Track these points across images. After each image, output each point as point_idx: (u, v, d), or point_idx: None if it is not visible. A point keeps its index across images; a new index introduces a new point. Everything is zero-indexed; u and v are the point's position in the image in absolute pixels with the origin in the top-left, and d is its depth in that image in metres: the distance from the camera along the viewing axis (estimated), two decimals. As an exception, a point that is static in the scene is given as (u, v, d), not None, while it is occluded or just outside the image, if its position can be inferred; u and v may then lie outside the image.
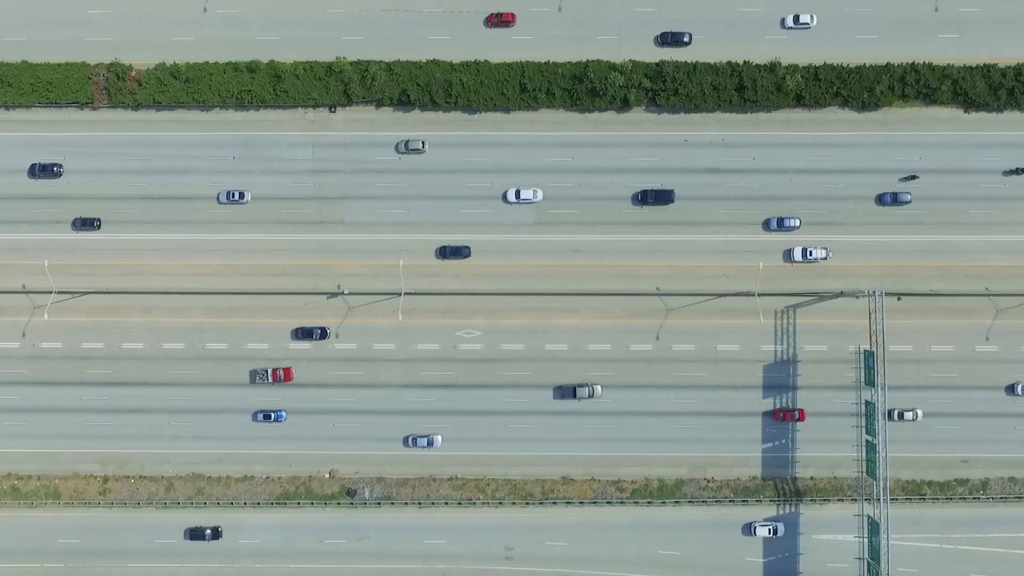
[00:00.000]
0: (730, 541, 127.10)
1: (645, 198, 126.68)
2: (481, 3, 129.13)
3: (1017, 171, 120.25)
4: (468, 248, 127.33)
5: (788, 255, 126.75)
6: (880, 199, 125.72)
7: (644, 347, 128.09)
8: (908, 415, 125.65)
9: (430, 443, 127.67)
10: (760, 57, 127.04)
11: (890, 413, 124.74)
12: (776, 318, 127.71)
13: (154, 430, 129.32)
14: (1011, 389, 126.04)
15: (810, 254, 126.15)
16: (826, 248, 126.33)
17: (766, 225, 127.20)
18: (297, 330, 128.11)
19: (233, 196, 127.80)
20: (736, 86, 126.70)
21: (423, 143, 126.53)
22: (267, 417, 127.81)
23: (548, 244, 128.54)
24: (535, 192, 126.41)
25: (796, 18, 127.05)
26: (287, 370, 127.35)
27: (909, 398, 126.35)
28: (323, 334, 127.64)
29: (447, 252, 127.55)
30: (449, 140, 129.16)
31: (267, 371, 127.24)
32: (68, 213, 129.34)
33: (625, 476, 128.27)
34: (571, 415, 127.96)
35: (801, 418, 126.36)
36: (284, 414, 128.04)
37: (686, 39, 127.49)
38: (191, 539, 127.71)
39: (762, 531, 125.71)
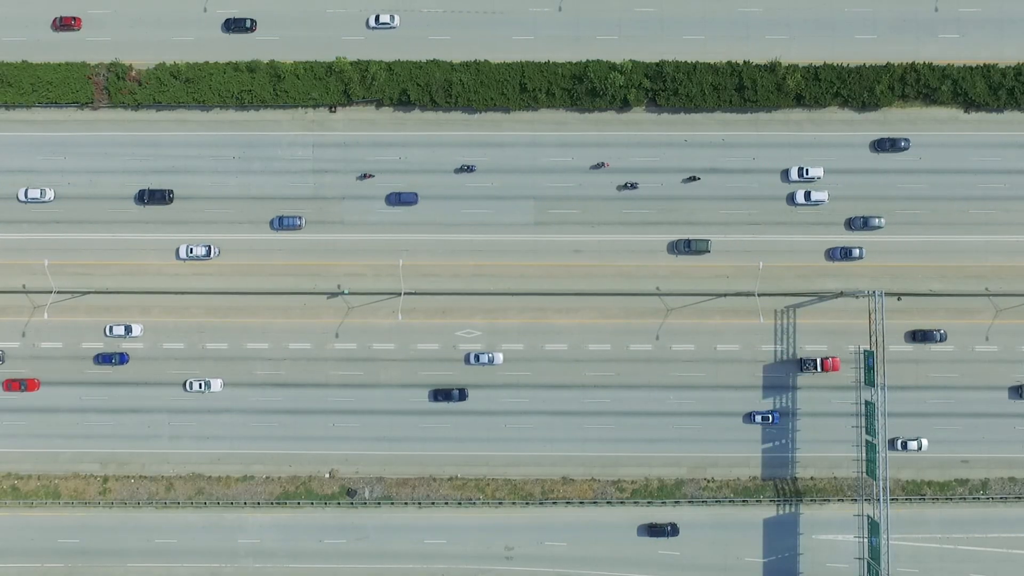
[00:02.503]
0: (730, 541, 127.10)
1: (143, 197, 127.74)
2: (481, 3, 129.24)
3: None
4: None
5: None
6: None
7: (644, 347, 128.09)
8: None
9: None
10: (759, 57, 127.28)
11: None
12: (776, 318, 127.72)
13: (154, 430, 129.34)
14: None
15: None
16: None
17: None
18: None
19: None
20: (736, 86, 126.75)
21: None
22: (765, 419, 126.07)
23: (548, 244, 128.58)
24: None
25: (377, 18, 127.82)
26: (835, 360, 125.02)
27: (909, 398, 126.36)
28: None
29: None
30: (449, 140, 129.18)
31: (816, 361, 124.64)
32: (69, 213, 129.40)
33: (625, 476, 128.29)
34: (571, 415, 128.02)
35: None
36: (778, 416, 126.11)
37: (248, 24, 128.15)
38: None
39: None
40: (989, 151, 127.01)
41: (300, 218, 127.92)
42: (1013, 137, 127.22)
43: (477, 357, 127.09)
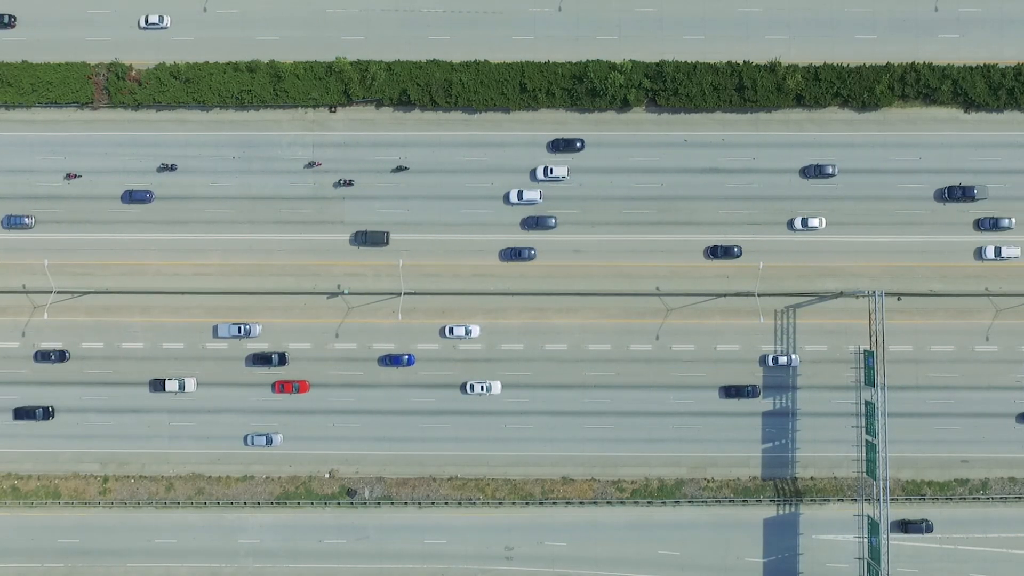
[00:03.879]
0: (730, 541, 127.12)
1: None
2: (481, 3, 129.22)
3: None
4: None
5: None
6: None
7: (644, 347, 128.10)
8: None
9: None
10: (759, 57, 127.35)
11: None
12: (776, 318, 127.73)
13: (154, 430, 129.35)
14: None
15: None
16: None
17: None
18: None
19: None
20: (736, 86, 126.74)
21: None
22: None
23: (548, 244, 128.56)
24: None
25: (147, 19, 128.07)
26: None
27: (909, 398, 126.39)
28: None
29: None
30: (449, 140, 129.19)
31: None
32: (69, 213, 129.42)
33: (625, 476, 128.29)
34: (571, 415, 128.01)
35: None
36: None
37: (6, 20, 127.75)
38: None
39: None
40: (989, 151, 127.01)
41: (29, 217, 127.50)
42: (1013, 137, 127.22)
43: (776, 360, 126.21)
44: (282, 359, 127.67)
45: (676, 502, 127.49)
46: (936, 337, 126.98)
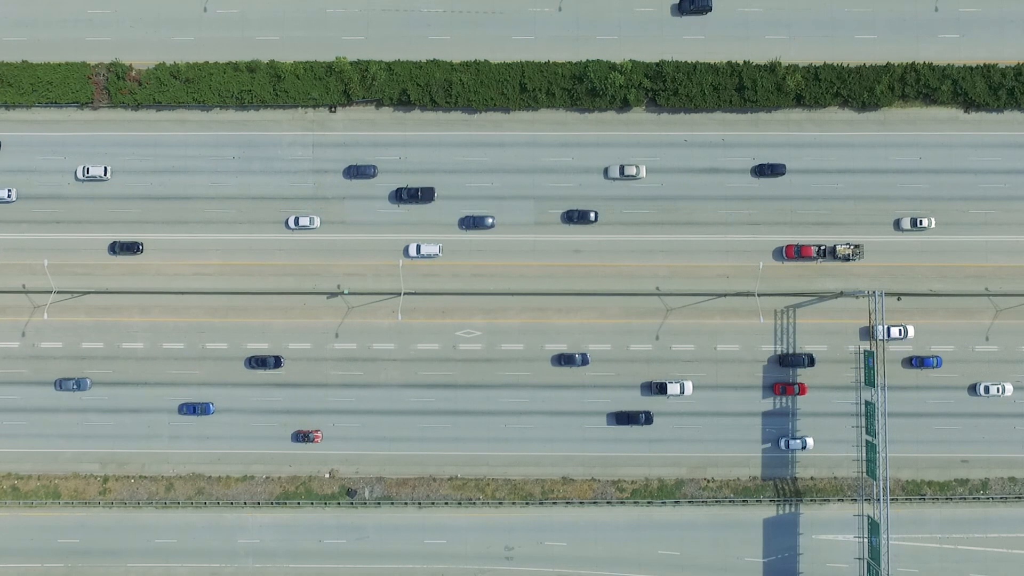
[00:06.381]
0: (730, 541, 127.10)
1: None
2: (481, 3, 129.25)
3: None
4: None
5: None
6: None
7: (644, 347, 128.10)
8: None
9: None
10: (759, 57, 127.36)
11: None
12: (776, 318, 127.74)
13: (154, 430, 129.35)
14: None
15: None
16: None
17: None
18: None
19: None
20: (736, 86, 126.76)
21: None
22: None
23: (548, 244, 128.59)
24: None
25: None
26: None
27: (909, 398, 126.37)
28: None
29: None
30: (449, 140, 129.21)
31: None
32: (68, 213, 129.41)
33: (625, 476, 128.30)
34: (571, 415, 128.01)
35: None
36: None
37: None
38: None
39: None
40: (989, 151, 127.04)
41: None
42: (1013, 137, 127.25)
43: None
44: (811, 360, 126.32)
45: (676, 502, 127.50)
46: (936, 337, 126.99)
